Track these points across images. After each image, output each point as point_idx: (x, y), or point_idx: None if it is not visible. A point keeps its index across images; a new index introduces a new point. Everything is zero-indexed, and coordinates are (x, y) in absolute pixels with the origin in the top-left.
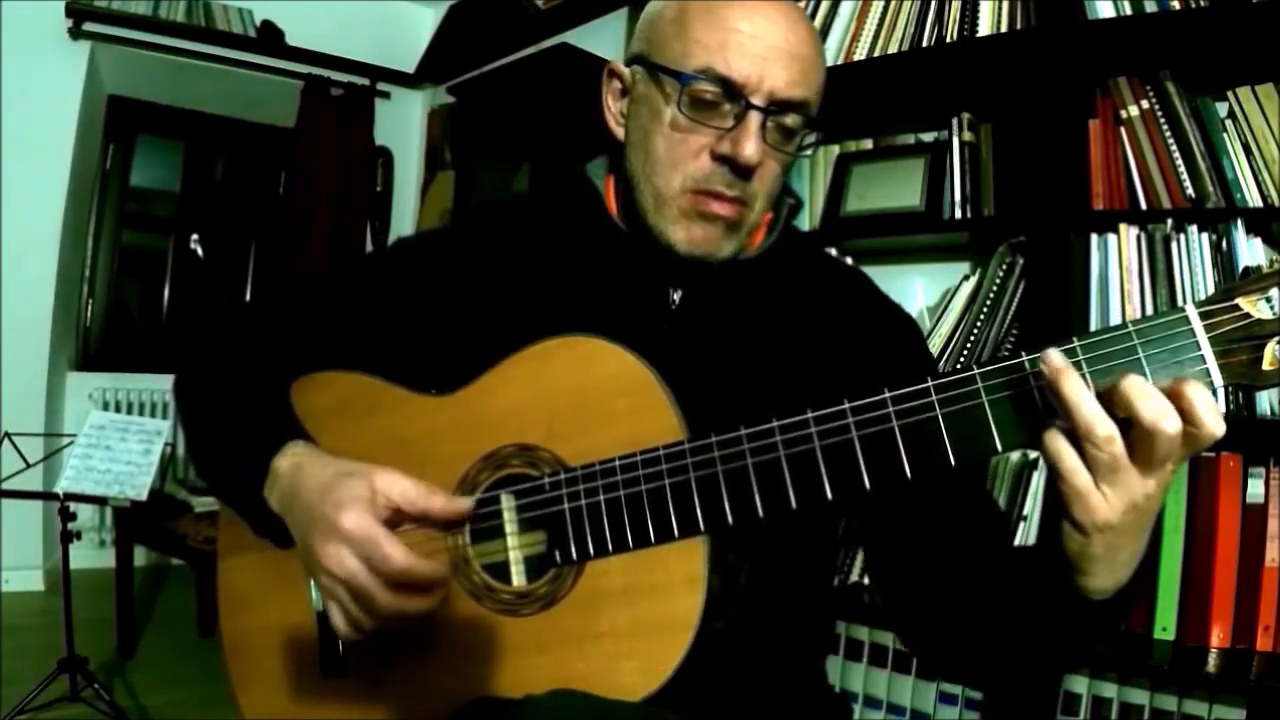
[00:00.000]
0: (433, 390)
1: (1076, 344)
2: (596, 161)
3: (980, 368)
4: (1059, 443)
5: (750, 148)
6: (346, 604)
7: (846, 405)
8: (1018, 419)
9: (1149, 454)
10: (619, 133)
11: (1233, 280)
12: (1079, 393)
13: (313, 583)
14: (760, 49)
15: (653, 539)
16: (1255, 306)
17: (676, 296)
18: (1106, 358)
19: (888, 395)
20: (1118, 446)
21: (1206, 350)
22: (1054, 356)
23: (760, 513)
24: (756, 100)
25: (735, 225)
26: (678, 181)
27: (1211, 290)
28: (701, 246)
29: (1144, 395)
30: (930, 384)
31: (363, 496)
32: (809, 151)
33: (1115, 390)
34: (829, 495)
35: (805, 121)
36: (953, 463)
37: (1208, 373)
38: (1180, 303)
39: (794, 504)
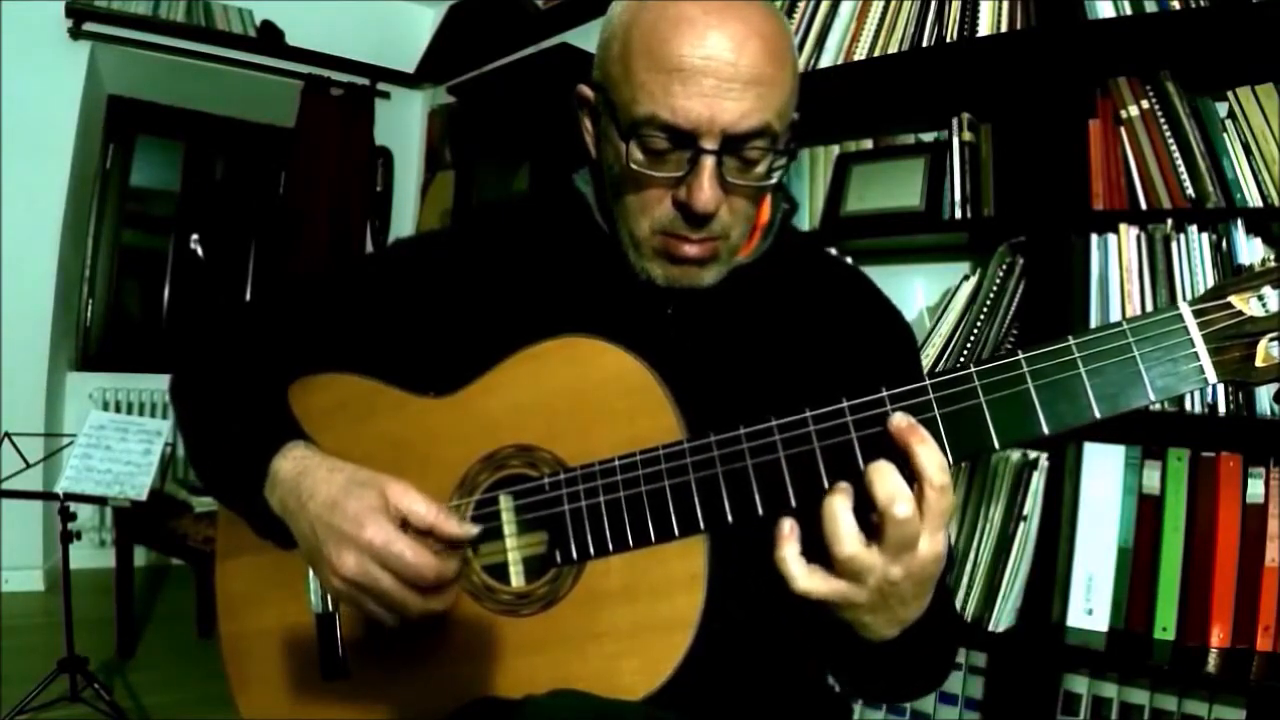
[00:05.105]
0: (432, 392)
1: (1072, 342)
2: (582, 172)
3: (977, 366)
4: (810, 573)
5: (704, 197)
6: (370, 608)
7: (845, 404)
8: (1015, 417)
9: (886, 537)
10: (595, 154)
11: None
12: (839, 514)
13: (312, 585)
14: (707, 86)
15: (653, 539)
16: (1248, 304)
17: (672, 300)
18: (1101, 355)
19: (886, 394)
20: (859, 562)
21: (1200, 347)
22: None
23: (760, 512)
24: (708, 143)
25: (711, 259)
26: (646, 225)
27: None
28: (680, 281)
29: (881, 477)
30: (928, 383)
31: (377, 507)
32: (775, 178)
33: (866, 474)
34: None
35: (769, 145)
36: (950, 460)
37: (1201, 370)
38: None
39: (794, 503)
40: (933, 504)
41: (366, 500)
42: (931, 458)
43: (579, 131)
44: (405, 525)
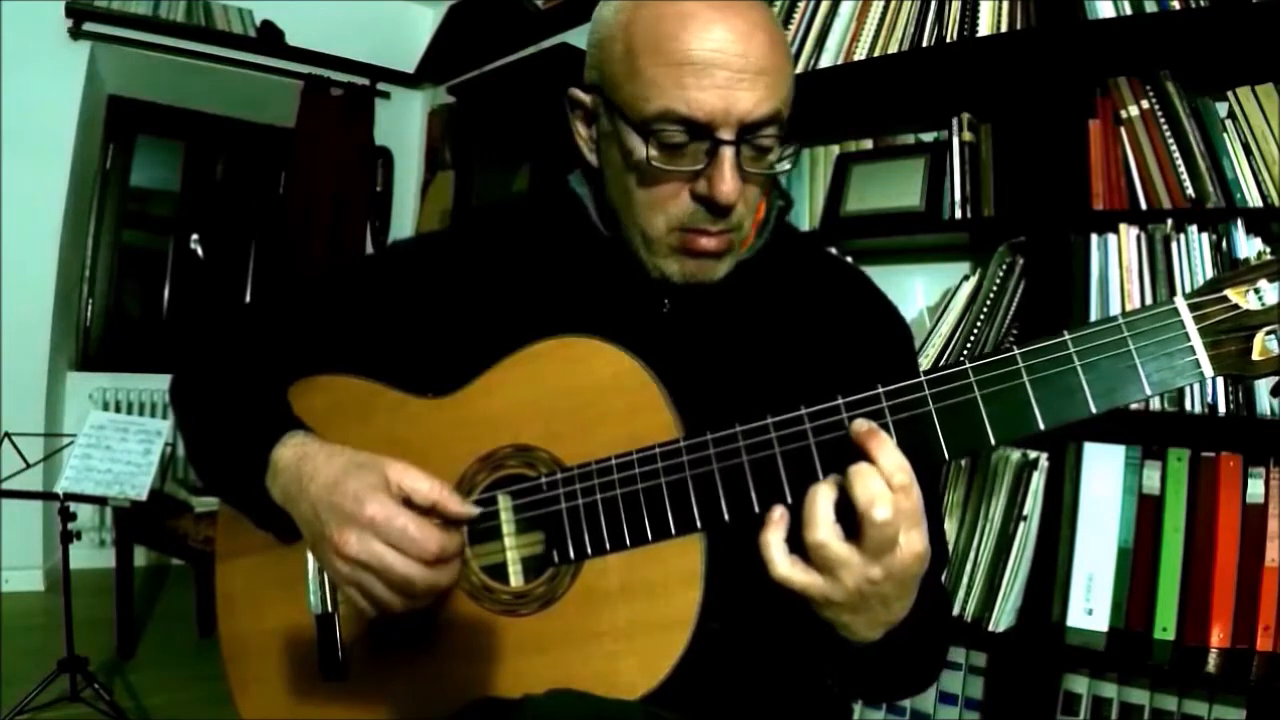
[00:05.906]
0: (430, 392)
1: (1067, 336)
2: (577, 173)
3: (972, 362)
4: (791, 563)
5: (727, 188)
6: (376, 591)
7: (840, 401)
8: (1010, 413)
9: (866, 539)
10: (593, 159)
11: None
12: (818, 501)
13: (311, 585)
14: (720, 77)
15: (650, 537)
16: (1244, 298)
17: (668, 299)
18: (1097, 350)
19: (881, 390)
20: (829, 551)
21: (1196, 341)
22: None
23: (756, 509)
24: (725, 134)
25: (727, 251)
26: (662, 222)
27: None
28: (696, 276)
29: (862, 479)
30: (924, 379)
31: (378, 485)
32: (788, 165)
33: (846, 476)
34: None
35: (780, 131)
36: (946, 457)
37: (1197, 364)
38: None
39: (789, 500)
40: (899, 505)
41: (367, 479)
42: (891, 460)
43: (571, 135)
44: (408, 504)
